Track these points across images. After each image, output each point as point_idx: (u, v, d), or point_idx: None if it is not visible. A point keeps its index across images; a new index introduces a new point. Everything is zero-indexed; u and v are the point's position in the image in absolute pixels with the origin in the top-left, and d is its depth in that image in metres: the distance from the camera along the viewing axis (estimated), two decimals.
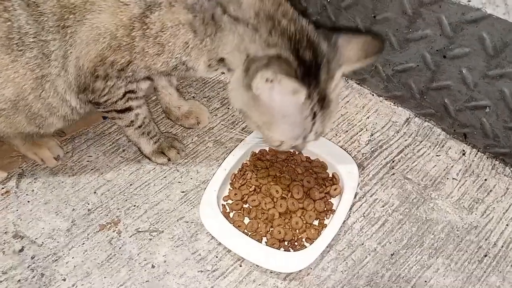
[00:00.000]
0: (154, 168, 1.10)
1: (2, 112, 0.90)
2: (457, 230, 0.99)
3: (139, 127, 1.03)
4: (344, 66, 0.82)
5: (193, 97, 1.25)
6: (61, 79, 0.88)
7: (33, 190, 1.06)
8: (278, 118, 0.82)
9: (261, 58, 0.78)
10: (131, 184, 1.07)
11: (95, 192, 1.05)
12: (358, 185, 1.03)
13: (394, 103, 1.23)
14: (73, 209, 1.02)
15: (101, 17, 0.81)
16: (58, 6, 0.81)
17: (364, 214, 1.02)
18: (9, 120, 0.93)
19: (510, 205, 1.03)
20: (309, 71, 0.78)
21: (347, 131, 1.17)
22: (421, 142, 1.15)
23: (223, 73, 0.91)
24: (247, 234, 0.96)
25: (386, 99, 1.24)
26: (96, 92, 0.91)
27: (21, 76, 0.86)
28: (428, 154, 1.13)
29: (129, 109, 0.98)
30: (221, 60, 0.86)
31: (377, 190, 1.06)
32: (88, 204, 1.03)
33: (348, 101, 1.24)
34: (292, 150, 1.05)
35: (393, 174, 1.09)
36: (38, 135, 1.03)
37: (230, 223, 0.96)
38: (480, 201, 1.04)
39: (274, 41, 0.78)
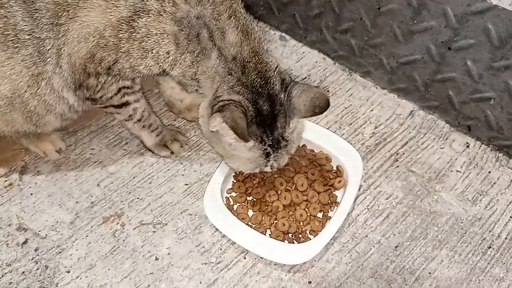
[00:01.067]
0: (157, 161, 1.09)
1: None
2: (461, 222, 0.99)
3: (139, 120, 1.03)
4: (296, 118, 0.88)
5: (196, 90, 1.25)
6: (57, 76, 0.88)
7: (36, 183, 1.05)
8: (233, 154, 0.89)
9: (224, 100, 0.83)
10: (134, 177, 1.06)
11: (98, 185, 1.05)
12: (362, 178, 1.02)
13: (398, 96, 1.22)
14: (77, 202, 1.02)
15: (91, 15, 0.82)
16: (52, 3, 0.82)
17: (368, 207, 1.02)
18: (5, 117, 0.92)
19: None
20: (265, 121, 0.85)
21: (351, 124, 1.17)
22: (425, 134, 1.15)
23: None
24: (251, 227, 0.96)
25: (390, 91, 1.23)
26: (90, 89, 0.92)
27: (17, 73, 0.86)
28: (432, 146, 1.12)
29: (126, 104, 0.98)
30: (194, 78, 0.89)
31: (381, 182, 1.06)
32: (92, 196, 1.03)
33: (352, 94, 1.23)
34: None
35: (397, 166, 1.09)
36: (35, 134, 1.02)
37: (234, 215, 0.96)
38: (484, 193, 1.04)
39: (239, 90, 0.84)
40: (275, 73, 0.86)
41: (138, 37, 0.82)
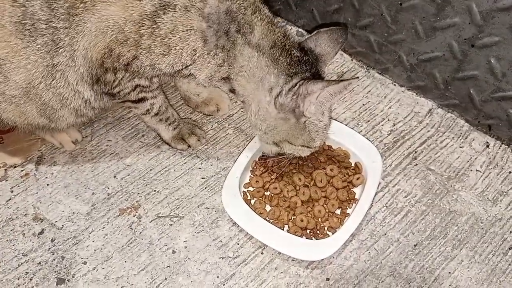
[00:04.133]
0: (174, 154, 1.09)
1: (13, 99, 0.89)
2: (481, 222, 0.98)
3: (156, 114, 1.02)
4: (327, 63, 0.92)
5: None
6: (71, 69, 0.87)
7: (52, 173, 1.05)
8: (318, 128, 0.89)
9: (293, 88, 0.83)
10: (151, 169, 1.06)
11: (115, 177, 1.04)
12: (381, 175, 1.01)
13: (416, 94, 1.21)
14: (93, 193, 1.01)
15: (111, 9, 0.80)
16: None
17: (387, 205, 1.01)
18: (20, 108, 0.91)
19: None
20: None
21: (368, 121, 1.16)
22: (444, 133, 1.13)
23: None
24: (268, 221, 0.95)
25: (408, 89, 1.22)
26: (108, 84, 0.90)
27: (32, 63, 0.85)
28: (451, 145, 1.11)
29: (143, 99, 0.97)
30: (225, 79, 0.87)
31: (399, 180, 1.05)
32: (108, 188, 1.02)
33: (369, 91, 1.22)
34: None
35: (416, 164, 1.07)
36: (48, 129, 1.02)
37: (252, 210, 0.95)
38: (505, 193, 1.02)
39: (294, 71, 0.84)
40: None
41: (162, 33, 0.80)
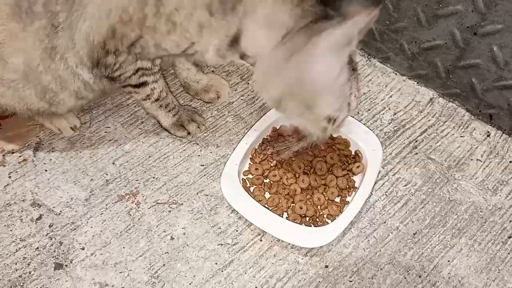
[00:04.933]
0: (173, 141, 1.08)
1: (12, 83, 0.88)
2: (481, 211, 0.97)
3: (156, 100, 1.01)
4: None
5: (212, 71, 1.23)
6: (70, 52, 0.85)
7: (50, 159, 1.04)
8: (323, 87, 0.79)
9: (306, 26, 0.74)
10: (150, 156, 1.05)
11: (113, 163, 1.04)
12: (381, 163, 1.01)
13: (417, 83, 1.20)
14: (91, 179, 1.01)
15: None
16: None
17: (387, 193, 1.00)
18: (19, 93, 0.90)
19: None
20: None
21: (369, 110, 1.15)
22: (445, 122, 1.13)
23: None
24: (268, 209, 0.94)
25: (409, 78, 1.21)
26: (108, 67, 0.89)
27: (30, 46, 0.83)
28: (452, 134, 1.10)
29: (144, 83, 0.96)
30: (233, 43, 0.83)
31: (399, 169, 1.04)
32: (107, 174, 1.02)
33: (370, 80, 1.21)
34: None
35: (416, 153, 1.07)
36: (48, 114, 1.01)
37: (251, 197, 0.95)
38: (505, 182, 1.02)
39: (306, 8, 0.76)
40: None
41: (167, 11, 0.78)
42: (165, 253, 0.91)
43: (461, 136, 1.10)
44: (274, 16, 0.78)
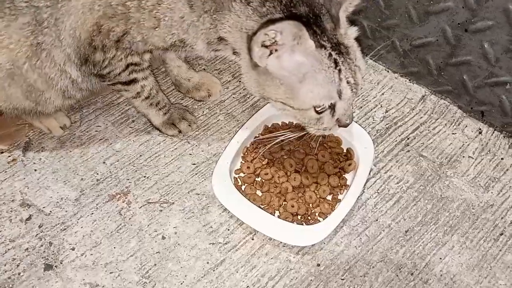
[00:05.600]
0: (165, 140, 1.07)
1: None
2: (473, 208, 0.97)
3: (146, 98, 1.01)
4: (344, 5, 0.75)
5: (204, 69, 1.22)
6: (57, 49, 0.85)
7: (40, 159, 1.03)
8: (299, 80, 0.75)
9: (266, 22, 0.72)
10: (140, 155, 1.04)
11: (104, 162, 1.03)
12: (373, 161, 1.00)
13: (409, 80, 1.20)
14: (82, 179, 1.00)
15: None
16: None
17: (379, 191, 1.00)
18: (5, 92, 0.89)
19: None
20: (308, 23, 0.73)
21: (361, 107, 1.15)
22: (437, 120, 1.12)
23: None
24: (259, 207, 0.94)
25: (401, 75, 1.21)
26: (97, 65, 0.88)
27: (15, 42, 0.83)
28: (444, 132, 1.10)
29: (134, 81, 0.95)
30: (220, 39, 0.82)
31: (391, 166, 1.04)
32: (97, 174, 1.01)
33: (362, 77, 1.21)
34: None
35: (408, 151, 1.07)
36: (35, 113, 0.99)
37: (243, 195, 0.94)
38: (497, 179, 1.02)
39: (266, 10, 0.74)
40: None
41: (149, 5, 0.78)
42: (156, 252, 0.90)
43: (453, 133, 1.10)
44: (240, 22, 0.77)
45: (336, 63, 0.74)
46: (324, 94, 0.76)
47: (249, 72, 0.80)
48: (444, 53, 1.07)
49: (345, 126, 0.84)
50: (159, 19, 0.80)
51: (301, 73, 0.74)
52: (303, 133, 0.89)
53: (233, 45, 0.82)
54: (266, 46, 0.72)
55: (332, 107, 0.79)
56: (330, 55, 0.74)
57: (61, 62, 0.86)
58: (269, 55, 0.74)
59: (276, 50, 0.73)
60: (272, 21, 0.69)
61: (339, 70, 0.75)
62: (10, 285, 0.85)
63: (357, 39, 1.23)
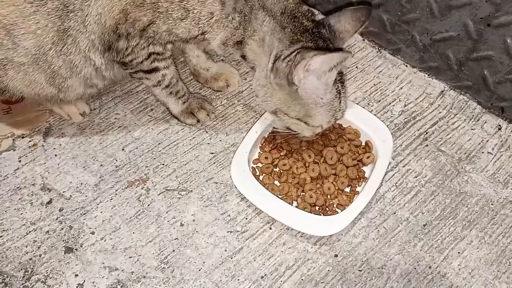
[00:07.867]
0: (183, 129, 1.08)
1: (22, 66, 0.88)
2: (492, 204, 0.97)
3: (167, 86, 1.01)
4: (345, 41, 0.89)
5: (222, 60, 1.22)
6: (82, 35, 0.85)
7: (60, 145, 1.04)
8: (316, 104, 0.85)
9: (290, 54, 0.80)
10: (159, 143, 1.05)
11: (123, 149, 1.04)
12: (391, 154, 1.00)
13: (428, 75, 1.19)
14: (101, 165, 1.01)
15: None
16: None
17: (397, 184, 1.00)
18: (28, 77, 0.90)
19: None
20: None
21: (379, 101, 1.14)
22: (456, 115, 1.12)
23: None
24: (278, 197, 0.94)
25: (420, 70, 1.20)
26: (120, 52, 0.89)
27: (42, 28, 0.83)
28: (463, 127, 1.10)
29: (155, 69, 0.96)
30: (239, 43, 0.86)
31: (410, 160, 1.04)
32: (116, 160, 1.02)
33: (381, 71, 1.21)
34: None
35: (427, 145, 1.06)
36: (56, 100, 1.00)
37: (261, 185, 0.94)
38: None
39: (298, 38, 0.82)
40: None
41: None
42: (175, 239, 0.91)
43: (472, 129, 1.09)
44: (269, 40, 0.84)
45: (339, 94, 0.88)
46: (330, 117, 0.89)
47: (271, 92, 0.87)
48: (465, 48, 1.06)
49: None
50: (188, 10, 0.80)
51: (321, 96, 0.85)
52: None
53: (248, 53, 0.88)
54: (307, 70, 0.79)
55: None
56: (337, 87, 0.87)
57: (85, 48, 0.87)
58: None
59: (308, 69, 0.79)
60: (306, 49, 0.80)
61: (340, 100, 0.88)
62: (32, 266, 0.86)
63: (376, 33, 1.24)
